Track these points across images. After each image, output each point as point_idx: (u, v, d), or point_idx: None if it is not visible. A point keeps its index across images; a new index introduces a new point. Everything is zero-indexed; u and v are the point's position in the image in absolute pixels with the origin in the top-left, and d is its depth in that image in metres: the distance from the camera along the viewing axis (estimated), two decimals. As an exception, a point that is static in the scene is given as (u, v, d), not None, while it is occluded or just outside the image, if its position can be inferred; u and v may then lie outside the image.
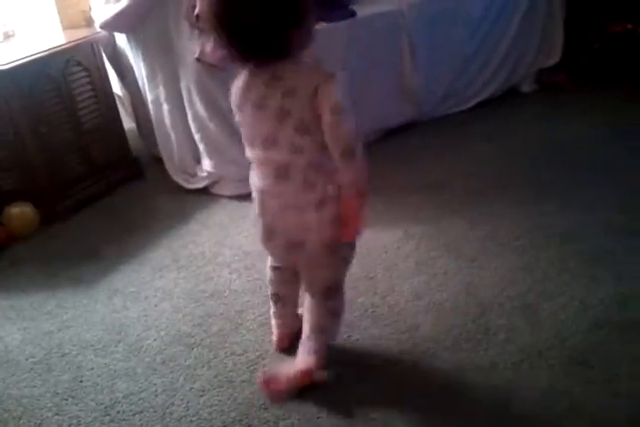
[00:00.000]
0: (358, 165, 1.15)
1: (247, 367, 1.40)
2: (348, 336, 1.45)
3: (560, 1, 2.61)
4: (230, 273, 1.74)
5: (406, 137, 2.39)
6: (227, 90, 1.98)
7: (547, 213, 1.87)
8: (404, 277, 1.66)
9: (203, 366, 1.41)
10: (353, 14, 2.20)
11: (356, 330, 1.47)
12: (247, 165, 2.11)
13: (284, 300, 1.43)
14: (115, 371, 1.42)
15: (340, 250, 1.25)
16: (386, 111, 2.34)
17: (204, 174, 2.13)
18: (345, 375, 1.34)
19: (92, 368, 1.43)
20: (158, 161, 2.25)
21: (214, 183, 2.15)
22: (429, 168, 2.17)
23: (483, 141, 2.32)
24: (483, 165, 2.15)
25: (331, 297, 1.32)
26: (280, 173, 1.20)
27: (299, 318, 1.43)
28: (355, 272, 1.66)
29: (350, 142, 1.13)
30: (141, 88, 2.18)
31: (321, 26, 2.11)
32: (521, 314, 1.47)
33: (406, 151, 2.30)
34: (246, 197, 2.08)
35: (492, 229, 1.82)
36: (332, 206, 1.19)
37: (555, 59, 2.65)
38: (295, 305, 1.46)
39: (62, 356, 1.48)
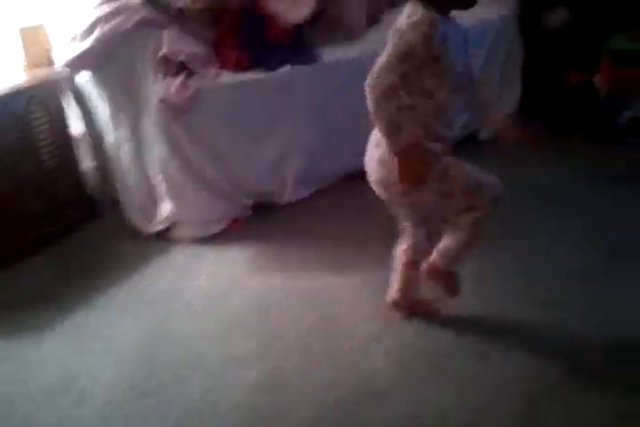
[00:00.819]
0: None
1: (199, 417, 1.40)
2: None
3: (517, 51, 2.74)
4: (188, 318, 1.76)
5: (368, 185, 2.43)
6: (190, 132, 2.05)
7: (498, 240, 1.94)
8: (365, 319, 1.69)
9: (154, 416, 1.41)
10: (316, 58, 2.28)
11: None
12: (207, 208, 2.17)
13: None
14: (64, 420, 1.41)
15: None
16: (349, 156, 2.37)
17: (163, 217, 2.15)
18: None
19: (41, 418, 1.42)
20: (117, 202, 2.26)
21: (173, 226, 2.17)
22: (388, 217, 2.22)
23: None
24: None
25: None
26: None
27: None
28: (320, 313, 1.70)
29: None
30: (103, 128, 2.21)
31: (284, 70, 2.19)
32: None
33: (366, 199, 2.30)
34: (206, 240, 2.16)
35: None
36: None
37: (513, 106, 2.76)
38: None
39: (10, 404, 1.47)
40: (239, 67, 2.19)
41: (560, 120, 2.83)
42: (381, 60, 1.40)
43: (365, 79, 2.25)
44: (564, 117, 2.83)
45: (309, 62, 2.26)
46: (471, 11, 2.49)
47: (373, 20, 2.51)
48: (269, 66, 2.20)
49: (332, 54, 2.31)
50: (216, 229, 2.18)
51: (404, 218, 1.64)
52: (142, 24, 2.11)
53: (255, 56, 2.22)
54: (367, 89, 1.42)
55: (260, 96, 2.17)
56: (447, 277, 1.58)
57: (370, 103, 1.42)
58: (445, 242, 1.53)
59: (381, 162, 1.50)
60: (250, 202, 2.26)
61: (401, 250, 1.66)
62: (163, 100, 2.02)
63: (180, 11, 2.22)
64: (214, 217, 2.19)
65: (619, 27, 2.83)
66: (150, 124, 2.07)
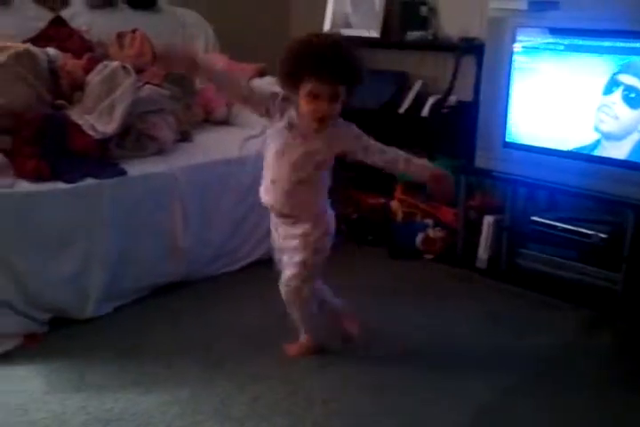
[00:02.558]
0: None
1: None
2: None
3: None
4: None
5: (174, 296, 2.47)
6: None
7: (313, 369, 2.02)
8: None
9: None
10: (123, 173, 2.33)
11: None
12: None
13: None
14: None
15: None
16: (155, 270, 2.43)
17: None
18: None
19: None
20: None
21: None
22: (196, 328, 2.26)
23: (248, 302, 2.46)
24: (250, 325, 2.28)
25: None
26: None
27: None
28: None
29: None
30: None
31: (87, 182, 2.22)
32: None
33: (173, 311, 2.37)
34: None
35: (261, 390, 1.91)
36: None
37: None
38: None
39: None
40: (38, 176, 2.17)
41: (361, 237, 3.13)
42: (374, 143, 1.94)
43: (172, 192, 2.40)
44: (364, 235, 3.14)
45: (114, 176, 2.31)
46: None
47: (183, 136, 2.67)
48: (70, 178, 2.21)
49: (139, 168, 2.39)
50: (7, 346, 2.05)
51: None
52: None
53: (56, 166, 2.23)
54: None
55: (59, 208, 2.16)
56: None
57: None
58: None
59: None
60: (47, 316, 2.17)
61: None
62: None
63: (-26, 117, 2.20)
64: (5, 332, 2.07)
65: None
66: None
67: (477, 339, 2.27)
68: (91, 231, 2.23)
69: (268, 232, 2.79)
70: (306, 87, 1.76)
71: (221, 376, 1.98)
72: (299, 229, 1.94)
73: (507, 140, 2.68)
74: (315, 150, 1.88)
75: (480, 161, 2.75)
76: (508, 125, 2.67)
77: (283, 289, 2.00)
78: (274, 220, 2.02)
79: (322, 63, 1.74)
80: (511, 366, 2.10)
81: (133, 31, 2.99)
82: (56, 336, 2.15)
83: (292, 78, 1.78)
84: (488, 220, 2.84)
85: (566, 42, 2.47)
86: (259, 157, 2.70)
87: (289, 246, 1.97)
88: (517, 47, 2.58)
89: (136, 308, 2.37)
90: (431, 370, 2.06)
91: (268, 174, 1.95)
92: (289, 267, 1.98)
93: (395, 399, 1.90)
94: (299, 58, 1.77)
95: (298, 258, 1.94)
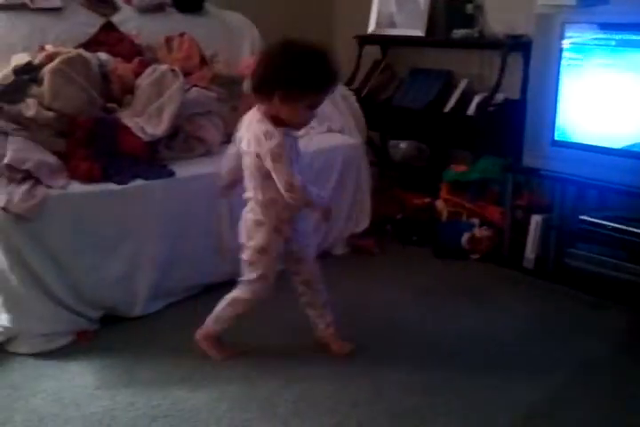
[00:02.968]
0: None
1: None
2: None
3: (367, 175, 3.03)
4: (20, 442, 1.65)
5: (222, 294, 2.47)
6: (33, 242, 2.03)
7: (358, 369, 2.03)
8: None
9: None
10: (171, 174, 2.38)
11: None
12: (51, 321, 2.10)
13: None
14: None
15: None
16: (203, 269, 2.47)
17: (0, 330, 2.05)
18: None
19: None
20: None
21: (11, 339, 2.08)
22: (244, 326, 2.27)
23: (297, 300, 2.47)
24: (298, 323, 2.29)
25: None
26: None
27: None
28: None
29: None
30: None
31: (137, 183, 2.27)
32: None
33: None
34: (47, 354, 2.07)
35: (307, 387, 1.93)
36: None
37: (363, 225, 3.00)
38: None
39: None
40: (90, 178, 2.23)
41: (405, 238, 3.12)
42: (277, 167, 1.79)
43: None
44: (408, 236, 3.12)
45: (163, 177, 2.35)
46: (320, 139, 2.82)
47: (230, 137, 2.69)
48: (121, 180, 2.26)
49: (187, 169, 2.43)
50: (61, 342, 2.12)
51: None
52: (-14, 131, 2.14)
53: (108, 168, 2.28)
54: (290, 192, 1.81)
55: (111, 208, 2.21)
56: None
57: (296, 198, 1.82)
58: None
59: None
60: (98, 314, 2.23)
61: None
62: (5, 208, 2.00)
63: (30, 119, 2.27)
64: (59, 330, 2.13)
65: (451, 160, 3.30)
66: (-11, 234, 2.03)
67: (524, 340, 2.24)
68: (140, 231, 2.28)
69: (313, 231, 2.81)
70: (308, 99, 1.78)
71: (268, 374, 2.00)
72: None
73: (555, 138, 2.62)
74: None
75: (528, 160, 2.71)
76: (557, 123, 2.62)
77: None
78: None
79: (333, 79, 1.79)
80: (558, 368, 2.07)
81: (181, 35, 3.03)
82: (107, 333, 2.21)
83: (289, 88, 1.75)
84: (536, 219, 2.79)
85: (617, 37, 2.40)
86: (302, 158, 2.73)
87: None
88: (566, 44, 2.53)
89: (185, 306, 2.41)
90: (476, 371, 2.04)
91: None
92: None
93: (440, 400, 1.89)
94: (308, 71, 1.75)
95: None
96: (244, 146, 1.89)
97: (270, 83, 1.77)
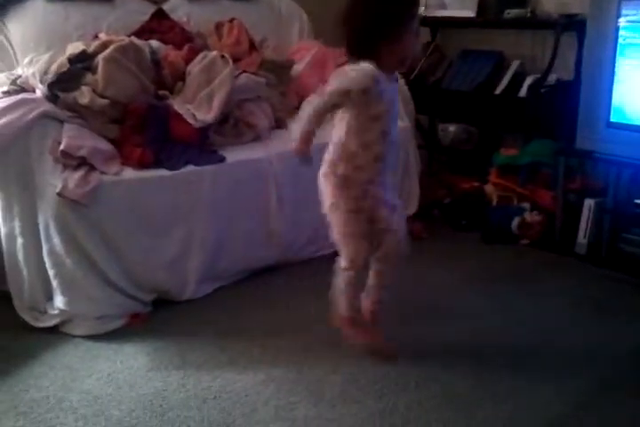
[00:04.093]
0: None
1: None
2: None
3: (415, 159, 2.98)
4: (76, 421, 1.68)
5: (271, 279, 2.51)
6: (88, 226, 2.06)
7: (405, 354, 2.00)
8: (263, 422, 1.68)
9: None
10: (222, 159, 2.38)
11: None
12: (105, 304, 2.13)
13: None
14: None
15: None
16: (251, 253, 2.47)
17: (56, 312, 2.10)
18: None
19: None
20: (4, 296, 2.18)
21: (66, 322, 2.12)
22: (293, 311, 2.28)
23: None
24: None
25: None
26: None
27: None
28: (213, 418, 1.67)
29: None
30: (-5, 220, 2.18)
31: (188, 169, 2.28)
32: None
33: (271, 293, 2.41)
34: (101, 336, 2.11)
35: (353, 372, 1.91)
36: None
37: (412, 210, 2.95)
38: None
39: None
40: (143, 164, 2.24)
41: (454, 223, 3.06)
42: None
43: (267, 178, 2.39)
44: (457, 220, 3.06)
45: (213, 163, 2.35)
46: None
47: (279, 122, 2.67)
48: (173, 166, 2.27)
49: (236, 154, 2.43)
50: (115, 324, 2.15)
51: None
52: (43, 118, 2.16)
53: (159, 154, 2.30)
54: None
55: (162, 193, 2.23)
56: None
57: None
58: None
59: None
60: (150, 297, 2.26)
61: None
62: (60, 194, 2.03)
63: (85, 107, 2.29)
64: (113, 312, 2.17)
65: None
66: (46, 218, 2.06)
67: (576, 327, 2.17)
68: (191, 216, 2.29)
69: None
70: (412, 25, 1.74)
71: (315, 358, 1.99)
72: None
73: (611, 119, 2.51)
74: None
75: (581, 142, 2.60)
76: (613, 104, 2.50)
77: None
78: None
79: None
80: (613, 355, 2.00)
81: (231, 21, 3.02)
82: (159, 316, 2.23)
83: (393, 21, 1.71)
84: (589, 203, 2.69)
85: (677, 14, 2.28)
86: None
87: None
88: (622, 22, 2.41)
89: (234, 290, 2.42)
90: (527, 358, 1.99)
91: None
92: None
93: (489, 385, 1.85)
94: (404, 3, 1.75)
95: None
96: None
97: (373, 32, 1.72)
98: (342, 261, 1.91)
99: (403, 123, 2.90)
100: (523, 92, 3.04)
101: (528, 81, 3.03)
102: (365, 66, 1.72)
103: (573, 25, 2.85)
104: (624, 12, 2.40)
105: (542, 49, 3.10)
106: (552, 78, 2.96)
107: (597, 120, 2.54)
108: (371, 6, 1.73)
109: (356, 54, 1.76)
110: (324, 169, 1.87)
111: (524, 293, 2.40)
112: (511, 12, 3.08)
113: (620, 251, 2.58)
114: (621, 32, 2.42)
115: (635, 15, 2.38)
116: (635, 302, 2.33)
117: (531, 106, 2.95)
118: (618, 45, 2.44)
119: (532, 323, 2.20)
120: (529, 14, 3.07)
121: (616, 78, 2.47)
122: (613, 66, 2.46)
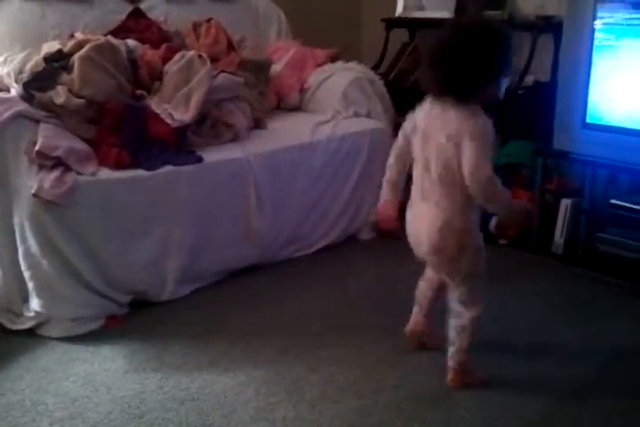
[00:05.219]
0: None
1: None
2: None
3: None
4: (52, 424, 1.66)
5: (250, 279, 2.50)
6: (64, 227, 2.04)
7: (383, 355, 2.00)
8: (242, 423, 1.68)
9: None
10: (200, 160, 2.36)
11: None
12: (81, 305, 2.11)
13: None
14: None
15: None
16: (230, 253, 2.46)
17: (32, 314, 2.08)
18: None
19: None
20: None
21: (42, 324, 2.10)
22: (271, 311, 2.27)
23: (324, 285, 2.48)
24: (324, 308, 2.29)
25: None
26: None
27: None
28: (191, 419, 1.66)
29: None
30: (-32, 222, 2.14)
31: (165, 169, 2.26)
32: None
33: (251, 294, 2.40)
34: (78, 338, 2.09)
35: (333, 373, 1.91)
36: None
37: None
38: None
39: None
40: (119, 164, 2.22)
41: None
42: (474, 155, 1.62)
43: (246, 178, 2.39)
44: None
45: (191, 163, 2.34)
46: (346, 123, 2.78)
47: (257, 122, 2.67)
48: (150, 166, 2.25)
49: (214, 154, 2.41)
50: (91, 326, 2.14)
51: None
52: (18, 118, 2.13)
53: (137, 154, 2.28)
54: (473, 180, 1.63)
55: (140, 194, 2.21)
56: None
57: (479, 192, 1.65)
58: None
59: (441, 231, 1.73)
60: (127, 299, 2.24)
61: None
62: (36, 195, 2.01)
63: (60, 106, 2.26)
64: (89, 314, 2.15)
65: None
66: (21, 219, 2.04)
67: (553, 327, 2.19)
68: (169, 216, 2.28)
69: (340, 215, 2.79)
70: (505, 68, 1.74)
71: (295, 359, 1.99)
72: None
73: (587, 120, 2.54)
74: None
75: (558, 143, 2.63)
76: (588, 106, 2.53)
77: None
78: None
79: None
80: (589, 355, 2.02)
81: (208, 20, 3.01)
82: (137, 318, 2.21)
83: (496, 70, 1.69)
84: (565, 203, 2.72)
85: (651, 17, 2.32)
86: (329, 142, 2.71)
87: None
88: (598, 24, 2.44)
89: (213, 290, 2.41)
90: (505, 360, 1.99)
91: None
92: None
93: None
94: (499, 45, 1.69)
95: None
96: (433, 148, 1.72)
97: (476, 79, 1.65)
98: (473, 309, 1.80)
99: (381, 124, 2.92)
100: (500, 93, 3.06)
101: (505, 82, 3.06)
102: (486, 119, 1.70)
103: (550, 27, 2.88)
104: (599, 14, 2.43)
105: (519, 50, 3.11)
106: (529, 80, 2.99)
107: (573, 121, 2.57)
108: (477, 54, 1.63)
109: (449, 96, 1.66)
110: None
111: (502, 293, 2.42)
112: (488, 14, 3.11)
113: (596, 250, 2.61)
114: (597, 34, 2.45)
115: (610, 17, 2.42)
116: (610, 301, 2.35)
117: (508, 107, 2.97)
118: (593, 47, 2.47)
119: (510, 323, 2.21)
120: (506, 16, 3.10)
121: (592, 80, 2.50)
122: (589, 67, 2.49)
